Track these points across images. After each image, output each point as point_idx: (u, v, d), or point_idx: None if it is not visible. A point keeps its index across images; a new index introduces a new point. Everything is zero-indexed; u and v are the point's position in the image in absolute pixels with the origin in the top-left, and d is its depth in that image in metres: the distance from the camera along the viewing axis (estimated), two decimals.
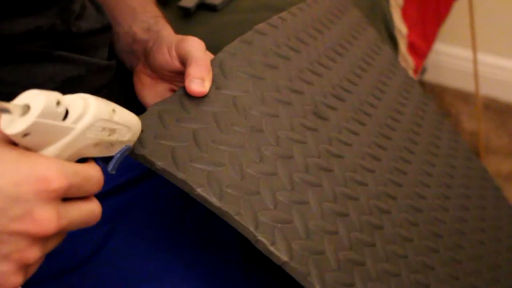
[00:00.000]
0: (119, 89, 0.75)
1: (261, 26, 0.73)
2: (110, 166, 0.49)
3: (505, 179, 1.72)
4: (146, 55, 0.70)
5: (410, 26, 1.29)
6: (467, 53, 1.81)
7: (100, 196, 0.55)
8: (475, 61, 1.66)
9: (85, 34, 0.66)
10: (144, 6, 0.75)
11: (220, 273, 0.65)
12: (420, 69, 1.54)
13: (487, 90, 1.95)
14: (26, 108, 0.41)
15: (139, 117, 0.58)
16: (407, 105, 0.91)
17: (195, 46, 0.64)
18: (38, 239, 0.42)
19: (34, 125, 0.41)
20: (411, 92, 0.95)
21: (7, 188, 0.41)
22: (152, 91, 0.70)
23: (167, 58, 0.66)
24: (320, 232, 0.58)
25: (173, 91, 0.70)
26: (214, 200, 0.54)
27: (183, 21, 1.00)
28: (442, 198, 0.83)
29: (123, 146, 0.49)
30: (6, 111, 0.40)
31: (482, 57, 1.85)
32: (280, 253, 0.53)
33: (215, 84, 0.63)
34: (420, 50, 1.37)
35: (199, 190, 0.54)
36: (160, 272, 0.62)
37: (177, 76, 0.67)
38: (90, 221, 0.46)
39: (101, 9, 0.71)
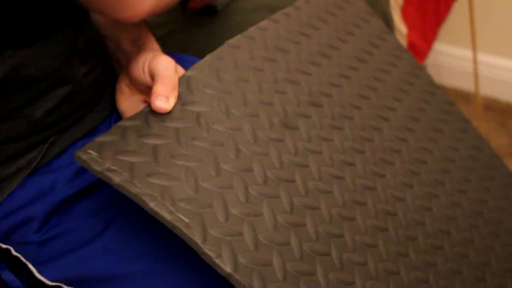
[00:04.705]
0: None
1: (234, 39, 0.75)
2: None
3: None
4: (127, 65, 0.74)
5: (410, 26, 1.29)
6: (467, 53, 1.80)
7: (98, 188, 0.61)
8: (475, 61, 1.66)
9: None
10: None
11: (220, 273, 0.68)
12: None
13: (487, 90, 1.94)
14: None
15: (103, 134, 0.61)
16: (404, 100, 0.88)
17: (163, 64, 0.67)
18: None
19: None
20: (414, 84, 0.92)
21: None
22: (128, 101, 0.74)
23: (140, 72, 0.70)
24: (271, 244, 0.60)
25: (147, 103, 0.73)
26: (165, 214, 0.56)
27: (183, 23, 1.03)
28: (427, 197, 0.81)
29: None
30: None
31: (482, 57, 1.83)
32: (224, 265, 0.56)
33: (180, 100, 0.65)
34: (420, 50, 1.37)
35: (151, 205, 0.56)
36: (159, 269, 0.64)
37: (150, 90, 0.71)
38: None
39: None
